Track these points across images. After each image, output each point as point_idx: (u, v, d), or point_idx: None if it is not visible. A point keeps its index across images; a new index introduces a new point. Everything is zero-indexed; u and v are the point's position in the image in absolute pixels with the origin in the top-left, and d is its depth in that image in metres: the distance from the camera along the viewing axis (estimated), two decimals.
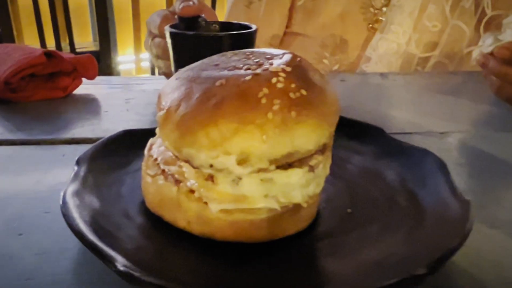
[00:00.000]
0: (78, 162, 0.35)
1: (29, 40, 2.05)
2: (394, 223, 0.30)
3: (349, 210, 0.33)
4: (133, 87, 0.70)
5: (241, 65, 0.28)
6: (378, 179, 0.37)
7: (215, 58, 0.31)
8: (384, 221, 0.31)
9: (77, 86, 0.64)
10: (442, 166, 0.35)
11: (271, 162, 0.26)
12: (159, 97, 0.30)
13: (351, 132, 0.43)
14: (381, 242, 0.28)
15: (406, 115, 0.58)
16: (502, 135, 0.51)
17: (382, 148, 0.40)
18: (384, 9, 0.88)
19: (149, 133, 0.35)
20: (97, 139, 0.40)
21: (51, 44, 1.77)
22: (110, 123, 0.54)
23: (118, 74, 2.00)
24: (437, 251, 0.25)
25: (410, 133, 0.50)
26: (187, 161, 0.27)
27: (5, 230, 0.31)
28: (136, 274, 0.23)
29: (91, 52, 0.79)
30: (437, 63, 0.87)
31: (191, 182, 0.28)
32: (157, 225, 0.30)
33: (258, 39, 0.50)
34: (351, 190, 0.35)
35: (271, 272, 0.26)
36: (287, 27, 0.92)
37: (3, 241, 0.30)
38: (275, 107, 0.25)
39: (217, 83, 0.27)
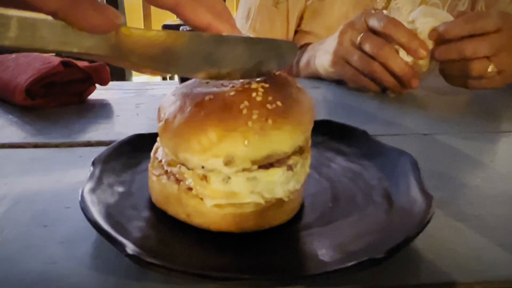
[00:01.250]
0: (93, 163, 0.39)
1: None
2: (367, 216, 0.35)
3: (330, 205, 0.37)
4: (144, 92, 0.75)
5: (227, 83, 0.33)
6: (359, 177, 0.41)
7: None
8: (359, 215, 0.35)
9: (91, 92, 0.70)
10: (414, 166, 0.39)
11: (253, 162, 0.31)
12: (159, 110, 0.35)
13: (338, 134, 0.48)
14: (353, 232, 0.33)
15: (393, 117, 0.62)
16: (481, 137, 0.55)
17: (364, 149, 0.45)
18: (384, 11, 0.92)
19: (156, 136, 0.40)
20: (110, 141, 0.45)
21: None
22: (122, 126, 0.59)
23: (130, 77, 2.06)
24: (396, 239, 0.29)
25: (395, 134, 0.55)
26: (183, 164, 0.32)
27: (32, 223, 0.36)
28: (143, 257, 0.28)
29: None
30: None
31: (189, 181, 0.32)
32: (161, 217, 0.34)
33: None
34: (334, 187, 0.40)
35: (258, 257, 0.31)
36: (298, 25, 0.97)
37: (31, 231, 0.35)
38: (254, 117, 0.30)
39: (206, 98, 0.31)
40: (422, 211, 0.32)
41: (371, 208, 0.36)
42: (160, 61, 0.28)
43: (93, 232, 0.32)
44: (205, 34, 0.29)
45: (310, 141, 0.36)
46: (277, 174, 0.32)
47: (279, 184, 0.32)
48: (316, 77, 0.83)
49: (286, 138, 0.31)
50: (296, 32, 0.98)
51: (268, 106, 0.31)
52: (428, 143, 0.53)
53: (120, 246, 0.29)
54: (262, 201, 0.32)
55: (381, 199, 0.37)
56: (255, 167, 0.31)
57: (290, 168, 0.32)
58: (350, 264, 0.27)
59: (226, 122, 0.30)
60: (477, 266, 0.31)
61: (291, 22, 0.97)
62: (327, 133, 0.47)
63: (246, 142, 0.30)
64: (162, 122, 0.33)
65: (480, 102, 0.68)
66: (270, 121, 0.31)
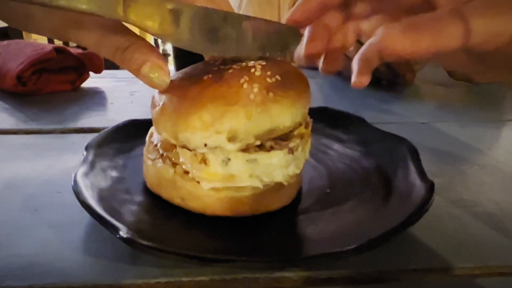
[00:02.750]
0: (87, 148, 0.39)
1: (36, 35, 2.08)
2: (365, 201, 0.34)
3: (327, 190, 0.37)
4: (138, 80, 0.73)
5: (223, 66, 0.32)
6: (356, 163, 0.40)
7: (200, 64, 0.35)
8: (356, 200, 0.35)
9: (85, 80, 0.69)
10: (413, 152, 0.38)
11: (256, 137, 0.30)
12: (153, 98, 0.34)
13: (336, 121, 0.47)
14: (351, 217, 0.32)
15: (391, 106, 0.61)
16: (479, 125, 0.55)
17: (362, 135, 0.44)
18: None
19: (151, 122, 0.39)
20: (103, 128, 0.44)
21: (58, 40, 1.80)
22: (115, 114, 0.58)
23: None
24: (395, 223, 0.29)
25: (393, 123, 0.54)
26: (183, 146, 0.31)
27: (23, 207, 0.35)
28: (137, 239, 0.27)
29: None
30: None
31: (187, 165, 0.32)
32: (155, 202, 0.34)
33: None
34: (331, 173, 0.39)
35: (254, 240, 0.30)
36: None
37: (22, 216, 0.34)
38: (255, 90, 0.30)
39: (205, 77, 0.31)
40: (422, 196, 0.32)
41: (370, 193, 0.35)
42: (165, 34, 0.27)
43: (84, 217, 0.31)
44: (211, 9, 0.28)
45: (310, 126, 0.35)
46: (277, 157, 0.31)
47: (279, 168, 0.31)
48: (311, 67, 0.82)
49: (286, 111, 0.31)
50: None
51: (268, 79, 0.30)
52: (425, 131, 0.53)
53: (114, 229, 0.28)
54: (260, 185, 0.31)
55: (379, 185, 0.36)
56: (258, 142, 0.30)
57: (291, 151, 0.32)
58: (348, 247, 0.27)
59: (227, 96, 0.29)
60: (476, 251, 0.31)
61: (282, 13, 0.96)
62: (324, 120, 0.47)
63: (248, 116, 0.29)
64: (159, 106, 0.32)
65: (478, 91, 0.68)
66: (271, 94, 0.30)
